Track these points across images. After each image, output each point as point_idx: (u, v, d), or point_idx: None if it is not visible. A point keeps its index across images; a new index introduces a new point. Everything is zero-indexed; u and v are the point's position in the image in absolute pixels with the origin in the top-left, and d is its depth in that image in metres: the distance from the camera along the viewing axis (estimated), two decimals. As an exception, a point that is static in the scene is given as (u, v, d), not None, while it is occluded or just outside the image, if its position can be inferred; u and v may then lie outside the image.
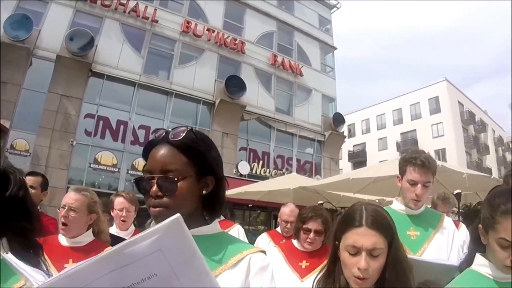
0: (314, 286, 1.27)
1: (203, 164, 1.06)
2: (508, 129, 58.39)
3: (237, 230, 3.43)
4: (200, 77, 16.25)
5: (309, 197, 8.31)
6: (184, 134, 1.05)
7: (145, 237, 0.75)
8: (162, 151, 1.04)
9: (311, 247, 2.38)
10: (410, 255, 1.70)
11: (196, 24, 16.79)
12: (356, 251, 1.16)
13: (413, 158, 2.07)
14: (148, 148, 1.08)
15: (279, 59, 19.36)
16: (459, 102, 40.28)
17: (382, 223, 1.20)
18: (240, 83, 16.66)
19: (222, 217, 3.18)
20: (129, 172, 13.91)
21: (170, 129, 1.09)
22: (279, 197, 8.30)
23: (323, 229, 2.37)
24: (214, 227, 1.12)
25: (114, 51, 14.39)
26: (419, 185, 2.04)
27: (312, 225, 2.37)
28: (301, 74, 20.06)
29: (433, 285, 1.49)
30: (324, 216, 2.43)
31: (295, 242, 2.51)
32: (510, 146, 53.51)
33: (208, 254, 1.00)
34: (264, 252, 1.11)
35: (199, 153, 1.06)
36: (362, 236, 1.16)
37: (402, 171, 2.12)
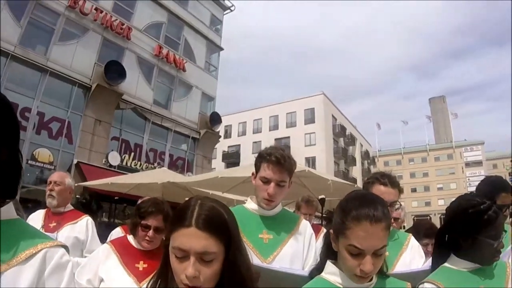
0: None
1: None
2: (374, 145, 69.01)
3: (85, 222, 3.32)
4: (80, 58, 16.18)
5: (178, 193, 8.57)
6: None
7: None
8: None
9: (150, 246, 2.27)
10: (259, 263, 1.80)
11: (84, 1, 16.61)
12: (184, 255, 1.05)
13: (268, 154, 2.03)
14: None
15: (164, 51, 20.26)
16: (332, 116, 46.77)
17: (217, 224, 1.09)
18: (121, 69, 17.00)
19: (71, 207, 3.35)
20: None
21: None
22: (147, 191, 8.09)
23: (164, 226, 2.25)
24: (6, 211, 1.02)
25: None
26: (272, 184, 2.00)
27: (152, 221, 2.26)
28: (184, 70, 21.33)
29: None
30: (166, 211, 2.33)
31: (131, 239, 2.36)
32: (375, 160, 63.32)
33: None
34: (65, 247, 1.06)
35: None
36: (191, 238, 1.05)
37: (257, 168, 2.09)
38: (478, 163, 73.94)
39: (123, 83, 17.29)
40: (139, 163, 18.45)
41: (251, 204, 2.14)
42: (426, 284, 1.63)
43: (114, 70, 16.81)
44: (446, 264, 1.72)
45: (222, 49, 24.94)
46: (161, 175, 9.16)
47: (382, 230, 1.26)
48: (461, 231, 1.68)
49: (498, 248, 1.65)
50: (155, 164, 19.04)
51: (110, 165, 16.88)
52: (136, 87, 18.58)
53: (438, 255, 1.80)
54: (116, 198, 13.33)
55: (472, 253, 1.67)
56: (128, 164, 17.90)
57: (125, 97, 17.63)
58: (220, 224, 1.11)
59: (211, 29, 24.40)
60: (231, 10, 26.02)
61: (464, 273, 1.65)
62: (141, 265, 2.22)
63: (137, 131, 18.93)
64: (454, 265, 1.69)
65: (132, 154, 18.38)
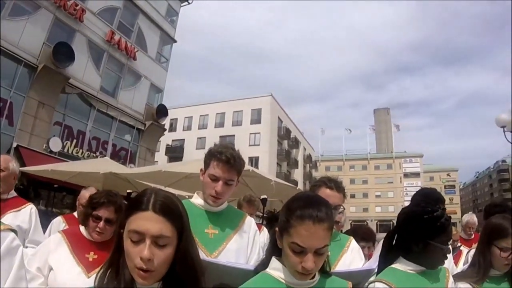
0: (96, 282, 1.20)
1: None
2: (317, 149, 71.68)
3: (29, 211, 3.26)
4: (28, 36, 15.76)
5: (119, 185, 8.53)
6: None
7: None
8: None
9: (100, 237, 2.32)
10: (205, 257, 1.86)
11: (40, -23, 16.04)
12: (139, 238, 1.12)
13: (219, 152, 2.14)
14: None
15: (116, 37, 20.19)
16: (279, 118, 48.26)
17: (172, 210, 1.19)
18: (70, 52, 16.74)
19: (14, 193, 3.28)
20: None
21: None
22: (88, 181, 8.09)
23: (115, 218, 2.32)
24: None
25: None
26: (221, 182, 2.11)
27: (104, 212, 2.32)
28: (134, 58, 21.39)
29: None
30: (118, 203, 2.38)
31: (82, 229, 2.41)
32: (317, 165, 65.79)
33: None
34: (14, 231, 1.09)
35: None
36: (148, 221, 1.13)
37: (206, 165, 2.18)
38: (416, 175, 79.11)
39: (71, 67, 17.04)
40: (81, 151, 18.29)
41: (197, 200, 2.25)
42: (377, 284, 1.77)
43: (63, 52, 16.51)
44: (393, 266, 1.87)
45: (175, 41, 25.20)
46: (103, 165, 9.24)
47: (324, 230, 1.37)
48: (413, 235, 1.83)
49: (446, 253, 1.83)
50: (97, 153, 19.00)
51: (51, 151, 16.63)
52: (84, 72, 18.35)
53: (386, 256, 1.95)
54: (55, 186, 13.16)
55: (423, 257, 1.82)
56: (70, 151, 17.72)
57: (71, 81, 17.36)
58: (175, 211, 1.20)
59: (166, 19, 24.57)
60: (189, 3, 26.25)
61: (411, 274, 1.82)
62: (91, 256, 2.27)
63: (81, 118, 18.72)
64: (402, 267, 1.85)
65: (75, 141, 18.17)
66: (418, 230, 1.83)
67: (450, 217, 1.89)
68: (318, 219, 1.35)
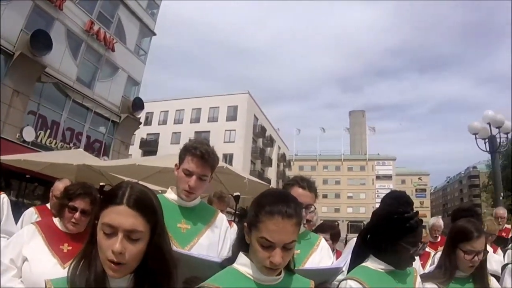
0: (69, 272, 1.21)
1: None
2: (292, 148, 72.51)
3: (1, 200, 3.26)
4: (6, 22, 15.36)
5: (93, 177, 8.49)
6: None
7: None
8: None
9: (76, 228, 2.34)
10: (178, 249, 1.92)
11: (19, -37, 15.76)
12: (112, 231, 1.15)
13: (193, 147, 2.18)
14: None
15: (96, 27, 20.03)
16: (255, 116, 48.62)
17: (146, 205, 1.22)
18: (48, 40, 16.54)
19: None
20: None
21: None
22: (61, 172, 8.02)
23: (90, 209, 2.33)
24: None
25: None
26: (194, 177, 2.16)
27: (80, 203, 2.34)
28: (113, 50, 21.30)
29: (199, 282, 1.52)
30: (93, 195, 2.40)
31: (57, 221, 2.42)
32: (291, 164, 66.55)
33: None
34: None
35: None
36: (121, 215, 1.16)
37: (181, 160, 2.23)
38: (388, 177, 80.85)
39: (48, 55, 16.85)
40: (54, 141, 18.13)
41: (171, 195, 2.29)
42: (350, 281, 1.82)
43: (40, 40, 16.31)
44: (365, 264, 1.93)
45: (154, 34, 25.22)
46: (77, 157, 9.10)
47: (292, 226, 1.40)
48: (384, 234, 1.89)
49: (414, 255, 1.88)
50: (71, 144, 18.87)
51: (24, 141, 16.41)
52: (60, 61, 18.17)
53: (358, 254, 2.02)
54: (27, 176, 13.10)
55: (392, 256, 1.88)
56: (43, 142, 17.55)
57: (47, 70, 17.16)
58: (149, 206, 1.23)
59: (147, 12, 24.52)
60: (170, -4, 26.16)
61: (381, 273, 1.88)
62: (65, 247, 2.27)
63: (56, 108, 18.53)
64: (373, 265, 1.91)
65: (48, 131, 17.98)
66: (388, 230, 1.90)
67: (421, 220, 1.96)
68: (287, 215, 1.39)
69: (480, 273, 2.23)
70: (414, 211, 1.95)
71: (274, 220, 1.37)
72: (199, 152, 2.16)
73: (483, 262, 2.24)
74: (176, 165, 2.27)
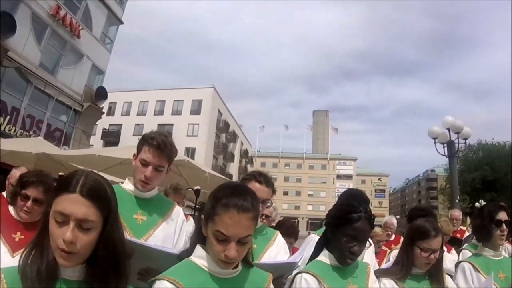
0: (20, 260, 1.19)
1: None
2: (254, 145, 73.15)
3: None
4: None
5: (52, 167, 8.30)
6: None
7: None
8: None
9: (28, 217, 2.33)
10: (133, 239, 1.96)
11: None
12: (64, 220, 1.15)
13: (151, 138, 2.20)
14: None
15: (62, 12, 19.55)
16: (219, 111, 48.82)
17: (100, 195, 1.21)
18: (12, 23, 16.05)
19: None
20: None
21: None
22: (19, 161, 7.76)
23: (44, 198, 2.29)
24: None
25: None
26: (150, 167, 2.17)
27: (32, 191, 2.31)
28: (78, 36, 20.89)
29: (154, 273, 1.55)
30: (48, 184, 2.38)
31: (11, 209, 2.42)
32: (253, 160, 67.15)
33: None
34: None
35: None
36: (74, 204, 1.15)
37: (138, 150, 2.23)
38: (349, 177, 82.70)
39: (11, 38, 16.34)
40: (13, 128, 17.64)
41: (128, 185, 2.29)
42: (304, 275, 1.91)
43: (4, 23, 15.77)
44: (319, 258, 2.02)
45: (122, 22, 24.93)
46: (36, 145, 8.94)
47: (248, 219, 1.41)
48: (329, 225, 2.02)
49: (353, 250, 1.92)
50: (31, 132, 18.43)
51: (-18, 127, 15.89)
52: (24, 45, 17.64)
53: (317, 247, 2.10)
54: None
55: (332, 248, 1.99)
56: (2, 128, 17.04)
57: (10, 54, 16.63)
58: (103, 196, 1.22)
59: (115, 0, 24.21)
60: (140, -15, 25.94)
61: (334, 267, 1.96)
62: (17, 236, 2.27)
63: (17, 94, 18.02)
64: (326, 259, 1.99)
65: (8, 117, 17.45)
66: (331, 220, 2.04)
67: (371, 216, 2.02)
68: (243, 208, 1.40)
69: (436, 271, 2.30)
70: (369, 209, 2.03)
71: (230, 213, 1.39)
72: (156, 142, 2.18)
73: (440, 261, 2.31)
74: (134, 155, 2.28)
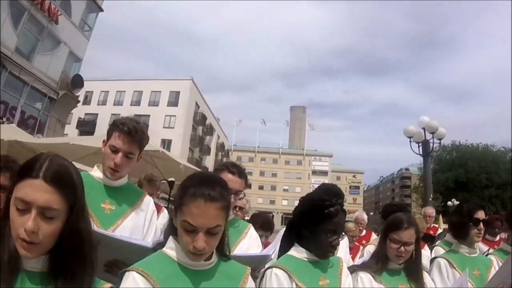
0: None
1: None
2: (231, 139, 73.37)
3: None
4: None
5: (24, 155, 7.88)
6: None
7: None
8: None
9: None
10: (100, 230, 1.89)
11: None
12: (25, 207, 1.07)
13: (122, 123, 2.12)
14: None
15: None
16: (196, 103, 48.67)
17: (65, 181, 1.13)
18: None
19: None
20: None
21: None
22: None
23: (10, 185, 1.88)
24: None
25: None
26: (120, 154, 2.10)
27: None
28: (56, 22, 20.45)
29: (123, 265, 1.51)
30: (14, 170, 2.03)
31: None
32: (229, 154, 67.35)
33: None
34: None
35: None
36: (35, 190, 1.07)
37: (108, 136, 2.16)
38: (324, 173, 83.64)
39: None
40: (-14, 114, 17.22)
41: (96, 172, 2.22)
42: (275, 269, 1.86)
43: None
44: (290, 253, 1.98)
45: (102, 10, 24.56)
46: (9, 132, 8.67)
47: (217, 209, 1.36)
48: (304, 221, 1.96)
49: (334, 244, 1.91)
50: (4, 119, 17.68)
51: (-47, 112, 15.47)
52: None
53: (285, 243, 2.06)
54: None
55: (311, 244, 1.94)
56: (-26, 115, 16.68)
57: None
58: (68, 182, 1.14)
59: (96, -14, 23.81)
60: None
61: (305, 262, 1.93)
62: None
63: (-10, 79, 17.57)
64: (297, 254, 1.96)
65: (-19, 103, 17.09)
66: (307, 216, 1.95)
67: (344, 210, 1.99)
68: (210, 198, 1.36)
69: (413, 266, 2.28)
70: (342, 203, 1.99)
71: (197, 203, 1.35)
72: (127, 128, 2.11)
73: (417, 257, 2.30)
74: (104, 141, 2.21)
